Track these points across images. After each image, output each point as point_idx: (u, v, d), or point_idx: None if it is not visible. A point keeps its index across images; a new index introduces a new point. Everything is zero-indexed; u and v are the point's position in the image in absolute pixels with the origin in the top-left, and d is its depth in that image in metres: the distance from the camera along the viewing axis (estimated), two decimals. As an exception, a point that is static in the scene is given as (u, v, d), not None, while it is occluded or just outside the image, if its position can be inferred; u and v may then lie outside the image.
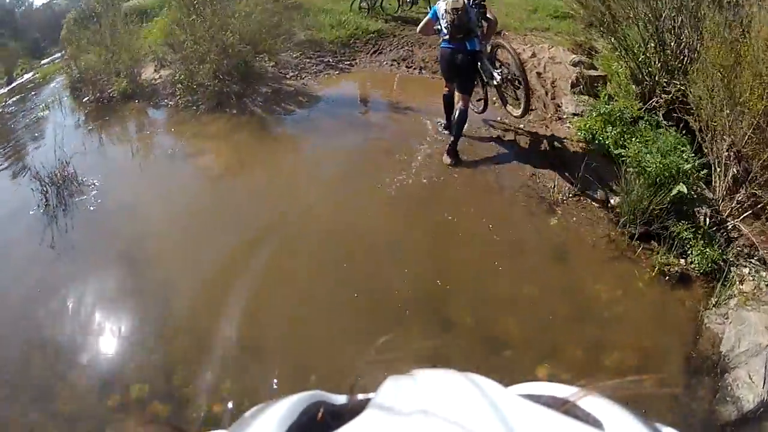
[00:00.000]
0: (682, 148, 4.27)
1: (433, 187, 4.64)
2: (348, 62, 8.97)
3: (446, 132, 5.25)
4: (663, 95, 5.02)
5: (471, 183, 4.70)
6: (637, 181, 4.01)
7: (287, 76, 8.23)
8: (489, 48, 4.95)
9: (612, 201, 4.44)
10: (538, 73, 7.73)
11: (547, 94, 6.98)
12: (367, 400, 0.42)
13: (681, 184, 3.87)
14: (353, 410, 0.39)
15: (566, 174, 4.81)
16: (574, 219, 4.30)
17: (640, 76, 5.37)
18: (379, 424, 0.34)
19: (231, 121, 6.81)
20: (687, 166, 4.00)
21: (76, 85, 8.60)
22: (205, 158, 5.80)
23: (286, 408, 0.40)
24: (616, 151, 4.68)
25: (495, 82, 4.88)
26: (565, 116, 6.27)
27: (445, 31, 4.35)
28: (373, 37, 9.96)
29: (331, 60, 8.99)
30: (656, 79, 5.11)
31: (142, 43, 8.86)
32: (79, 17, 11.15)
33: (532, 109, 5.69)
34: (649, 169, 4.01)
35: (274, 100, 7.31)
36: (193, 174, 5.47)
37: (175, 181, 5.28)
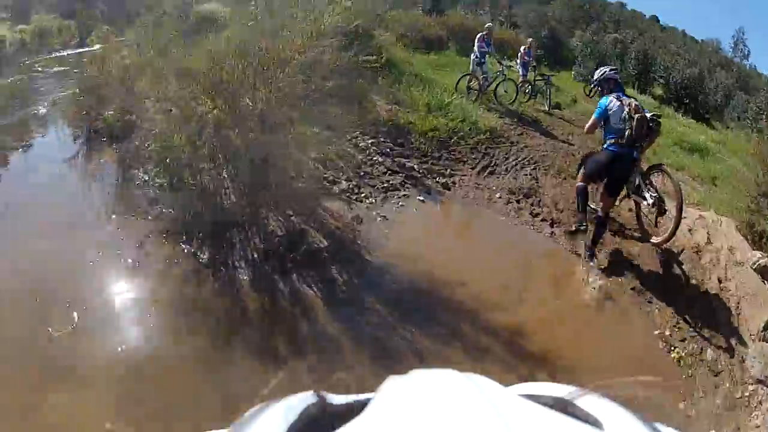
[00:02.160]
0: None
1: None
2: (442, 179, 5.87)
3: (580, 227, 4.73)
4: None
5: None
6: None
7: (334, 188, 5.18)
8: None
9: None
10: (719, 280, 4.58)
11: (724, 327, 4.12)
12: (367, 400, 0.40)
13: None
14: (353, 410, 0.38)
15: None
16: None
17: None
18: (379, 424, 0.34)
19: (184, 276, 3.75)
20: None
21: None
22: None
23: (286, 408, 0.40)
24: None
25: (647, 202, 4.63)
26: (750, 386, 3.75)
27: (615, 135, 4.22)
28: (484, 139, 6.86)
29: (416, 168, 5.91)
30: None
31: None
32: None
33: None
34: None
35: (288, 248, 4.17)
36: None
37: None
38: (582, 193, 4.65)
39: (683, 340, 4.10)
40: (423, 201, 5.37)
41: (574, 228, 4.85)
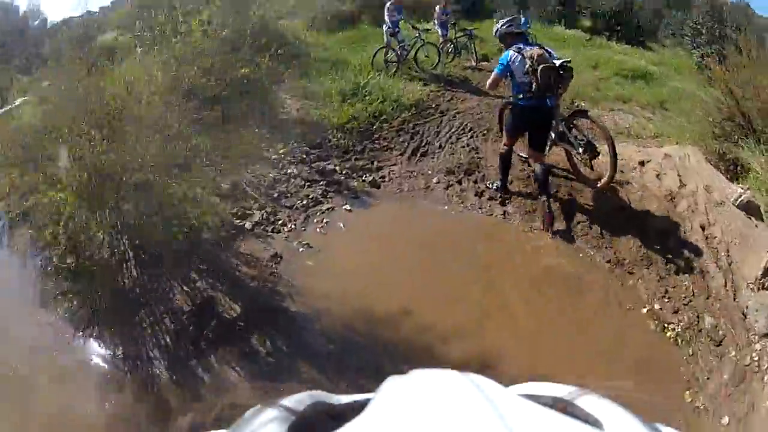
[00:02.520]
0: None
1: None
2: (369, 175, 4.98)
3: (497, 192, 4.53)
4: None
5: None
6: None
7: (246, 223, 4.19)
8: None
9: None
10: (701, 227, 3.95)
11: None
12: (367, 400, 0.40)
13: None
14: (353, 410, 0.38)
15: None
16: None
17: None
18: (378, 424, 0.33)
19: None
20: None
21: None
22: None
23: (286, 408, 0.40)
24: None
25: (576, 150, 4.36)
26: (756, 345, 3.15)
27: (521, 89, 3.99)
28: (410, 116, 6.00)
29: (338, 169, 5.00)
30: None
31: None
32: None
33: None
34: None
35: (198, 324, 3.33)
36: None
37: None
38: (504, 158, 4.42)
39: (676, 312, 3.43)
40: (350, 210, 4.47)
41: (494, 187, 4.58)
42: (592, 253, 3.86)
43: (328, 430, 0.36)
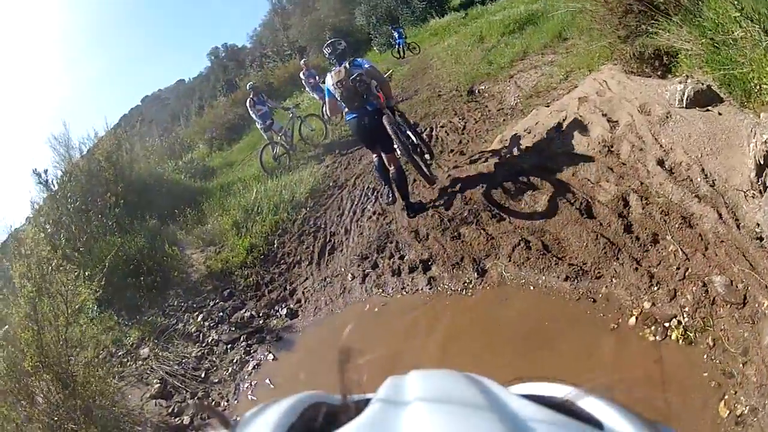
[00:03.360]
0: None
1: None
2: (285, 305, 4.33)
3: (390, 205, 4.59)
4: None
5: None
6: None
7: (185, 418, 3.48)
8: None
9: None
10: (659, 162, 3.28)
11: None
12: (367, 401, 0.39)
13: None
14: (353, 410, 0.38)
15: None
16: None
17: None
18: (378, 424, 0.33)
19: None
20: None
21: None
22: None
23: (286, 408, 0.39)
24: None
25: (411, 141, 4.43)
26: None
27: (343, 104, 4.02)
28: (309, 212, 5.41)
29: (255, 313, 4.38)
30: None
31: None
32: None
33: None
34: None
35: None
36: None
37: None
38: (377, 167, 4.40)
39: (674, 297, 2.66)
40: (275, 358, 3.77)
41: (386, 201, 4.61)
42: (543, 278, 3.17)
43: (328, 430, 0.36)
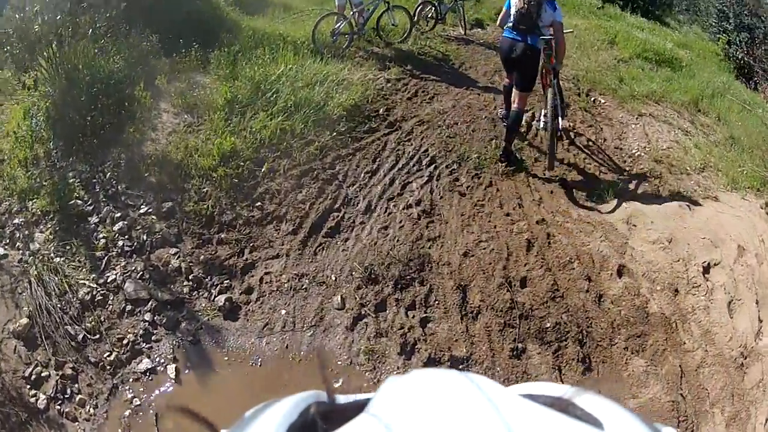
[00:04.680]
0: None
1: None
2: (228, 284, 2.78)
3: (503, 121, 4.27)
4: None
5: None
6: None
7: (41, 396, 2.19)
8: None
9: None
10: None
11: None
12: (367, 400, 0.39)
13: None
14: (353, 410, 0.37)
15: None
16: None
17: None
18: (379, 425, 0.33)
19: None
20: None
21: None
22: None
23: (286, 408, 0.39)
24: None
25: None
26: None
27: (510, 18, 3.81)
28: (332, 141, 3.70)
29: (184, 270, 2.85)
30: None
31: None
32: None
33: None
34: None
35: None
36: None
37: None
38: (505, 90, 4.25)
39: None
40: (176, 377, 2.30)
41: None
42: None
43: (328, 430, 0.35)
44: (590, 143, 4.48)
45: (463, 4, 7.11)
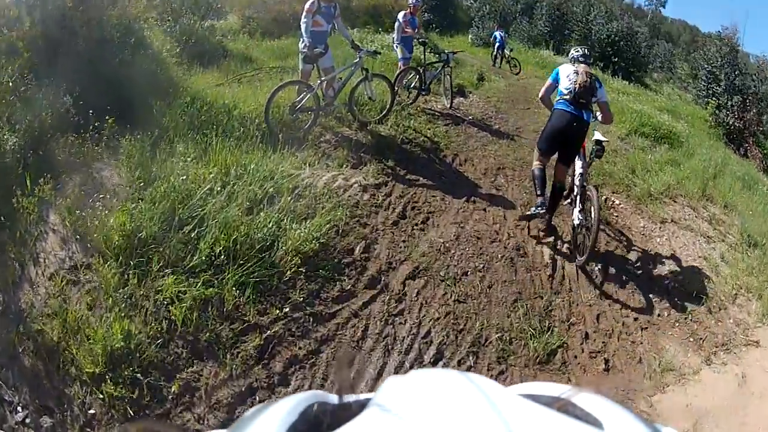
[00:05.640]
0: None
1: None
2: None
3: (542, 210, 3.93)
4: None
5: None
6: None
7: None
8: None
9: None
10: None
11: None
12: (367, 400, 0.38)
13: None
14: (353, 410, 0.37)
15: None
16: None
17: None
18: (379, 424, 0.32)
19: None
20: None
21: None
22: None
23: (286, 408, 0.38)
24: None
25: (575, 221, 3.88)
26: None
27: (565, 91, 3.80)
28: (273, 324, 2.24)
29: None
30: None
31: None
32: None
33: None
34: None
35: None
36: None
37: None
38: (538, 174, 3.95)
39: None
40: None
41: (530, 212, 3.92)
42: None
43: (328, 430, 0.35)
44: (618, 270, 3.66)
45: (451, 71, 6.14)
